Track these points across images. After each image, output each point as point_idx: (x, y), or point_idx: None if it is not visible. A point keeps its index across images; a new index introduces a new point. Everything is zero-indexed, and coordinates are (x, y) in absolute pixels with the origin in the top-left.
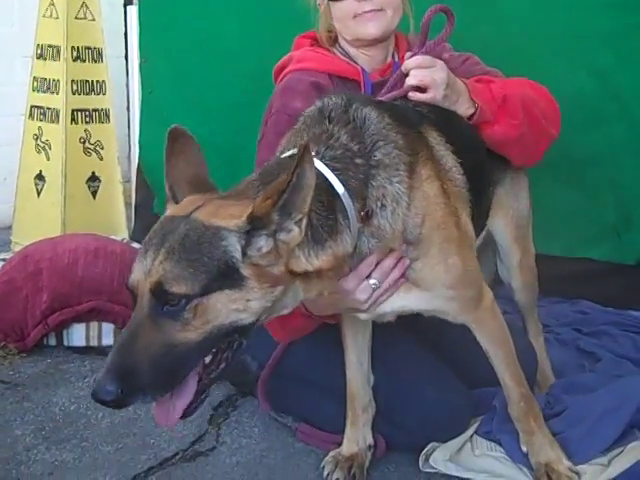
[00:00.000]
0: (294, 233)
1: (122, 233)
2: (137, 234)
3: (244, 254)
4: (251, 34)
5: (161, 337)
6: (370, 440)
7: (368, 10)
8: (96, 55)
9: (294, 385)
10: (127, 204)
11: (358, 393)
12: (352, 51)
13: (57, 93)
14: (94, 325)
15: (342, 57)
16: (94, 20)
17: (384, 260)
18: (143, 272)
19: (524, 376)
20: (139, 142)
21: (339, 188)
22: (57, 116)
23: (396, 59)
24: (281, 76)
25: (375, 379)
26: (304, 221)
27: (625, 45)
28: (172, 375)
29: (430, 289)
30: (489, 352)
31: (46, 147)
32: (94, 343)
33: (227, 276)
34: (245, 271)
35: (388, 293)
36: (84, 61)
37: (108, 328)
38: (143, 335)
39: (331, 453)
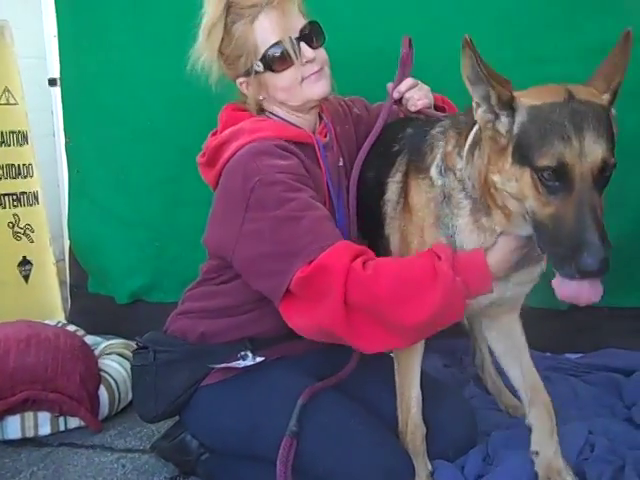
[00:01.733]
0: None
1: (58, 316)
2: (74, 315)
3: None
4: (175, 110)
5: (601, 207)
6: (430, 466)
7: (315, 71)
8: (21, 138)
9: (234, 462)
10: (63, 283)
11: (421, 423)
12: (290, 118)
13: None
14: (29, 415)
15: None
16: (17, 104)
17: None
18: (576, 155)
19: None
20: (68, 222)
21: None
22: None
23: (325, 119)
24: (231, 150)
25: (313, 446)
26: None
27: None
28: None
29: None
30: (524, 346)
31: None
32: (30, 434)
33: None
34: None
35: None
36: (9, 145)
37: (44, 417)
38: (598, 208)
39: None
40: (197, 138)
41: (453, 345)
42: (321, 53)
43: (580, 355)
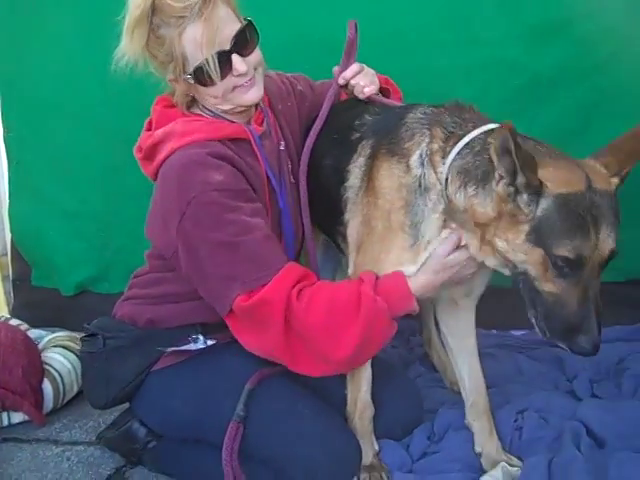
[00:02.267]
0: None
1: (1, 310)
2: (18, 309)
3: None
4: (116, 99)
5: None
6: (376, 446)
7: (247, 80)
8: None
9: (181, 448)
10: (6, 277)
11: (371, 404)
12: (223, 113)
13: None
14: None
15: (222, 120)
16: None
17: None
18: (592, 249)
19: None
20: (9, 214)
21: None
22: None
23: (261, 104)
24: (164, 153)
25: (260, 431)
26: None
27: None
28: None
29: None
30: (473, 337)
31: None
32: None
33: None
34: None
35: None
36: None
37: None
38: (599, 295)
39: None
40: (139, 128)
41: (401, 325)
42: (254, 57)
43: (525, 332)
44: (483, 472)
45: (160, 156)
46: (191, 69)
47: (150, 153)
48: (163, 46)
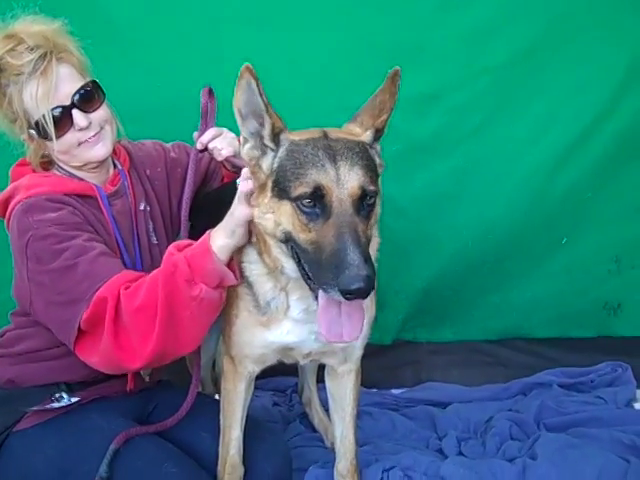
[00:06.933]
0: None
1: None
2: None
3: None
4: None
5: (365, 232)
6: None
7: (91, 136)
8: None
9: None
10: None
11: (240, 464)
12: (75, 172)
13: None
14: None
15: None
16: None
17: None
18: (332, 180)
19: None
20: None
21: None
22: None
23: (119, 167)
24: (11, 207)
25: None
26: None
27: None
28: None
29: None
30: (350, 404)
31: None
32: None
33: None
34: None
35: None
36: None
37: None
38: (360, 231)
39: None
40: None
41: (284, 383)
42: (99, 115)
43: (404, 390)
44: None
45: (8, 211)
46: (32, 124)
47: (2, 211)
48: (10, 104)
